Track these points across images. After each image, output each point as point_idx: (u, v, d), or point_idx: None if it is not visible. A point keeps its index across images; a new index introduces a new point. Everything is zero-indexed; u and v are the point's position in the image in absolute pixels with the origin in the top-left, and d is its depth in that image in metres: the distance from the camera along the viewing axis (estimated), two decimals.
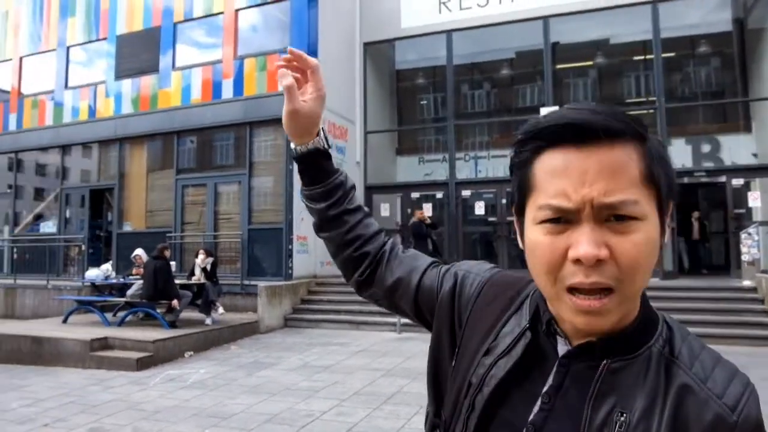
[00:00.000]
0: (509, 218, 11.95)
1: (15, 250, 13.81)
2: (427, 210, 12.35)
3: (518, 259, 11.91)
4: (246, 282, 10.68)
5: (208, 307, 9.22)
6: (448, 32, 12.58)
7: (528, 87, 13.50)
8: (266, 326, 9.80)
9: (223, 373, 7.02)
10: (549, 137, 0.67)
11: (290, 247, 10.90)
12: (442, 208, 12.59)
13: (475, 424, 0.75)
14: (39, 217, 14.63)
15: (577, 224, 0.64)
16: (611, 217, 0.64)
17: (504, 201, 12.03)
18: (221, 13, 12.42)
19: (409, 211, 12.40)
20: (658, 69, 11.17)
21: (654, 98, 11.32)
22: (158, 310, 8.70)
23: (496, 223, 12.15)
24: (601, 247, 0.63)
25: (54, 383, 6.80)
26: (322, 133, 1.01)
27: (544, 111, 11.39)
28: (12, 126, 14.96)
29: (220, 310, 9.52)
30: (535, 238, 0.68)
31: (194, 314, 9.35)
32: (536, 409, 0.71)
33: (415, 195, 12.85)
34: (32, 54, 15.02)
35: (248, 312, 10.19)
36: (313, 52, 11.51)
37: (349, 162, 12.65)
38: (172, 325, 8.58)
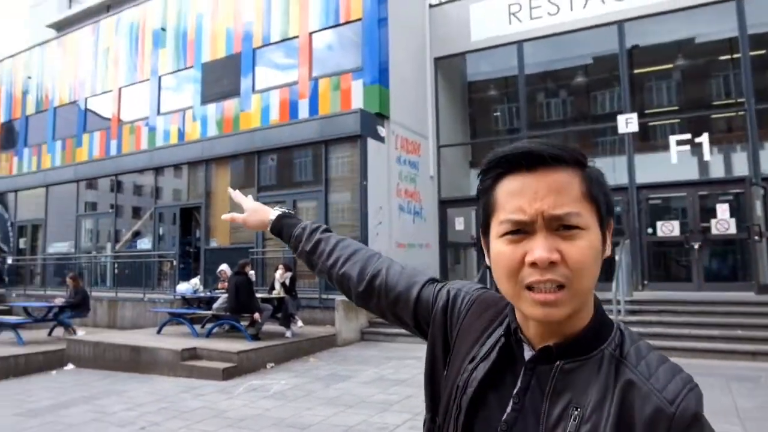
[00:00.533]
0: None
1: (116, 265, 15.02)
2: None
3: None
4: (324, 296, 11.01)
5: (287, 321, 9.62)
6: (519, 42, 12.49)
7: (605, 93, 13.10)
8: (343, 339, 10.06)
9: (302, 384, 7.30)
10: (507, 164, 0.80)
11: None
12: None
13: (462, 423, 0.86)
14: (137, 234, 15.77)
15: (533, 234, 0.77)
16: (560, 227, 0.76)
17: None
18: (296, 36, 12.99)
19: None
20: (747, 68, 10.53)
21: (743, 100, 10.66)
22: (242, 323, 9.17)
23: None
24: (553, 251, 0.75)
25: (150, 389, 7.35)
26: (271, 221, 1.38)
27: (621, 118, 11.06)
28: (113, 151, 16.29)
29: (299, 323, 9.90)
30: (499, 249, 0.80)
31: (275, 327, 9.76)
32: (509, 409, 0.81)
33: None
34: (129, 85, 16.33)
35: (326, 325, 10.50)
36: (385, 70, 11.82)
37: (423, 176, 12.79)
38: (255, 337, 9.02)
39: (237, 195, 1.53)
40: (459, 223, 12.90)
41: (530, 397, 0.80)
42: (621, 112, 11.33)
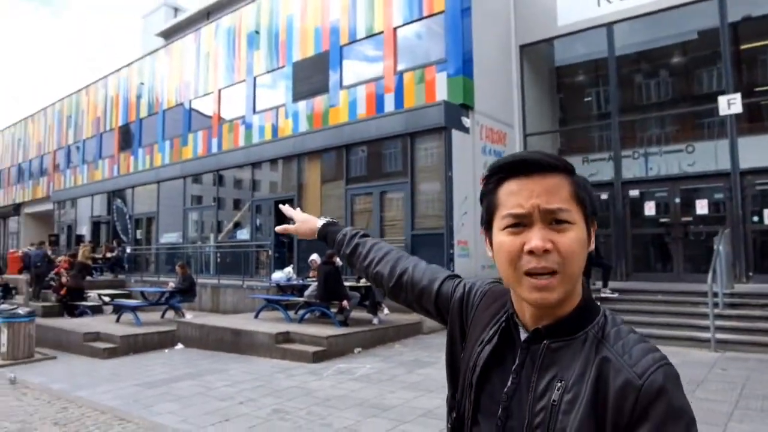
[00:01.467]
0: (684, 218, 11.05)
1: (218, 254, 16.18)
2: None
3: (691, 261, 10.96)
4: None
5: (375, 308, 9.98)
6: (609, 24, 11.99)
7: (704, 73, 12.29)
8: (428, 327, 10.28)
9: (386, 369, 7.61)
10: (508, 170, 0.96)
11: (451, 251, 11.26)
12: (607, 210, 12.01)
13: (473, 398, 1.03)
14: (237, 225, 16.87)
15: (530, 227, 0.92)
16: (553, 221, 0.91)
17: (678, 200, 11.12)
18: (381, 32, 13.28)
19: None
20: None
21: None
22: (331, 310, 9.65)
23: (669, 224, 11.25)
24: (547, 241, 0.90)
25: (248, 369, 7.98)
26: (320, 229, 1.57)
27: (722, 99, 10.37)
28: (214, 148, 17.50)
29: (386, 311, 10.24)
30: (501, 240, 0.96)
31: (363, 314, 10.16)
32: (509, 383, 0.97)
33: None
34: (228, 86, 17.43)
35: (412, 313, 10.77)
36: (469, 60, 11.82)
37: None
38: (343, 323, 9.46)
39: (287, 209, 1.73)
40: None
41: (525, 373, 0.95)
42: (723, 93, 10.61)
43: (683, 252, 11.08)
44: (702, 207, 10.90)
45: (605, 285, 9.81)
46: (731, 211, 10.37)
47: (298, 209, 1.71)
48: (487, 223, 1.01)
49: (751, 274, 10.13)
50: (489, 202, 1.00)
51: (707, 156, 11.14)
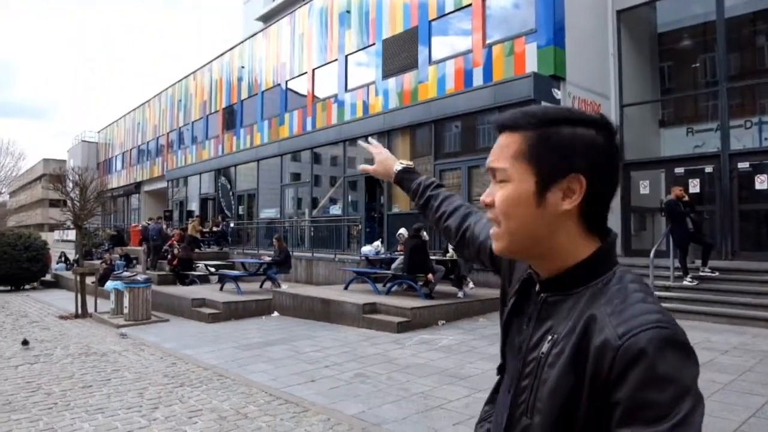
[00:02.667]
0: None
1: (312, 229, 16.91)
2: (694, 186, 11.16)
3: None
4: None
5: (460, 282, 10.07)
6: None
7: None
8: None
9: (468, 341, 7.73)
10: (496, 129, 1.02)
11: None
12: (712, 184, 11.19)
13: (502, 347, 1.12)
14: (331, 201, 17.49)
15: None
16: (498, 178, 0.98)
17: None
18: (470, 4, 13.06)
19: (671, 187, 11.34)
20: None
21: None
22: (418, 283, 9.86)
23: None
24: (488, 195, 0.97)
25: (335, 336, 8.41)
26: (396, 171, 1.57)
27: None
28: (309, 127, 18.17)
29: (471, 284, 10.30)
30: None
31: (449, 288, 10.29)
32: (525, 329, 1.01)
33: (679, 170, 11.61)
34: (321, 66, 17.94)
35: (497, 288, 10.72)
36: (560, 29, 11.40)
37: None
38: (429, 296, 9.65)
39: (368, 146, 1.70)
40: (644, 187, 12.00)
41: (531, 324, 0.99)
42: None
43: None
44: None
45: (704, 264, 9.22)
46: None
47: (380, 146, 1.67)
48: None
49: None
50: None
51: None
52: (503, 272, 1.22)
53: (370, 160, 1.69)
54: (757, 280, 8.86)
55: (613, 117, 12.36)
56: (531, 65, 11.63)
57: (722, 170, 10.96)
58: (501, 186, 0.95)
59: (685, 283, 9.13)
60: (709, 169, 11.19)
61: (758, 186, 10.51)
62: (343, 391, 5.60)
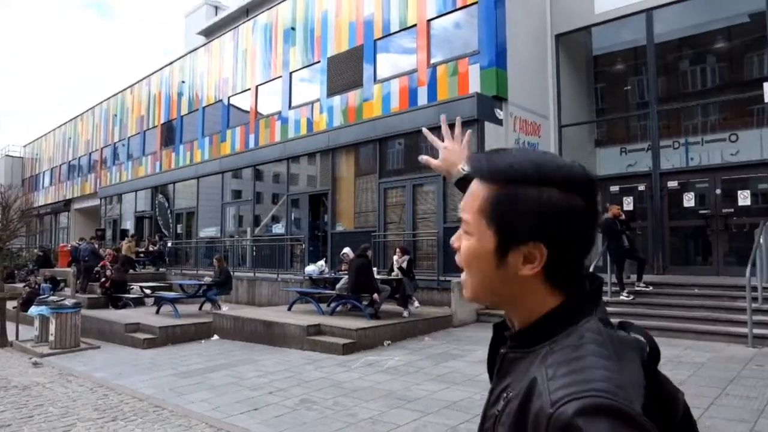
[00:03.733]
0: (724, 210, 10.65)
1: (254, 248, 16.49)
2: (628, 203, 11.60)
3: (732, 254, 10.56)
4: (441, 278, 11.23)
5: (405, 301, 10.01)
6: (648, 11, 11.60)
7: (747, 59, 11.76)
8: (459, 320, 10.24)
9: (414, 361, 7.63)
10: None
11: None
12: (644, 201, 11.69)
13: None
14: (273, 219, 17.15)
15: None
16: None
17: (718, 191, 10.70)
18: (414, 25, 13.23)
19: (607, 205, 11.76)
20: None
21: None
22: (363, 303, 9.72)
23: (709, 215, 10.84)
24: (457, 240, 0.93)
25: (279, 360, 8.13)
26: (457, 177, 1.41)
27: (767, 86, 9.92)
28: (251, 144, 17.81)
29: (416, 303, 10.25)
30: None
31: (394, 307, 10.20)
32: (492, 381, 0.97)
33: (614, 188, 12.08)
34: (265, 82, 17.69)
35: (443, 306, 10.74)
36: (502, 51, 11.67)
37: None
38: (374, 316, 9.52)
39: (432, 136, 1.55)
40: None
41: (495, 377, 0.96)
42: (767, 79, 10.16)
43: (723, 245, 10.69)
44: (744, 198, 10.49)
45: (639, 279, 9.57)
46: None
47: (449, 137, 1.48)
48: None
49: None
50: None
51: (751, 145, 10.70)
52: None
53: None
54: (686, 294, 9.26)
55: (553, 137, 12.75)
56: (474, 86, 11.85)
57: (653, 188, 11.46)
58: (466, 237, 0.92)
59: (622, 297, 9.42)
60: (641, 187, 11.68)
61: (686, 203, 11.05)
62: (289, 419, 5.37)
